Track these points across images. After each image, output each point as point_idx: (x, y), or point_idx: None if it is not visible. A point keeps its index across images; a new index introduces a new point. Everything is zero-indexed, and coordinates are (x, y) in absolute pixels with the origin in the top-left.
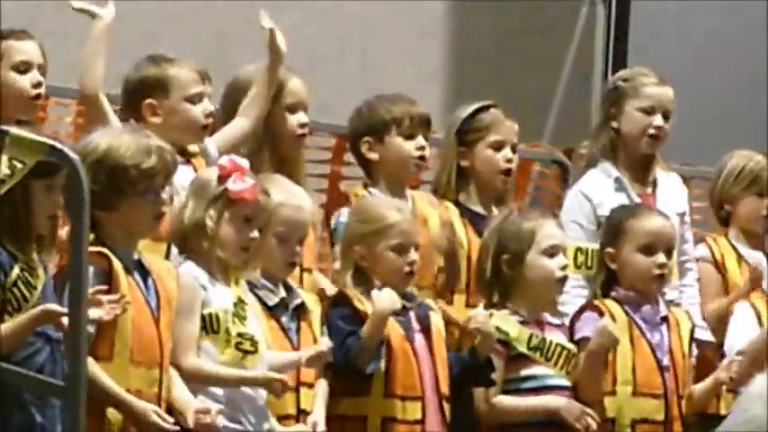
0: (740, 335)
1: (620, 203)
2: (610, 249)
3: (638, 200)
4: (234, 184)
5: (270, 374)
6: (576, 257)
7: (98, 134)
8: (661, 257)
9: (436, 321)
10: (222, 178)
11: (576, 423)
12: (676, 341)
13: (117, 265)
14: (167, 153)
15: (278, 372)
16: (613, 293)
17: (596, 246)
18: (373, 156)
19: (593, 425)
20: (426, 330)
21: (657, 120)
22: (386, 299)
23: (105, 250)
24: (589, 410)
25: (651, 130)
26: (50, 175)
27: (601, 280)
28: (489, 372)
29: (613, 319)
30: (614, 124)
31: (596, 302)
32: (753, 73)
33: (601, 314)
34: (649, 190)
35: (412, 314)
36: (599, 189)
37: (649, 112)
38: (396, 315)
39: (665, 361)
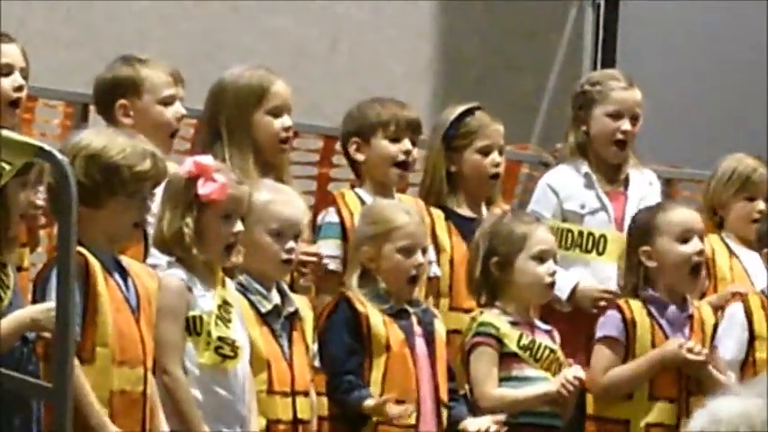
0: (730, 336)
1: (588, 200)
2: (645, 248)
3: (605, 198)
4: (203, 188)
5: None
6: None
7: (90, 132)
8: (699, 244)
9: (439, 329)
10: (191, 183)
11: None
12: (698, 341)
13: (94, 263)
14: (160, 160)
15: None
16: (642, 293)
17: (560, 223)
18: (360, 157)
19: (573, 382)
20: (429, 336)
21: (624, 124)
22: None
23: (82, 249)
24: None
25: (618, 135)
26: (25, 173)
27: (633, 283)
28: None
29: (634, 321)
30: (584, 127)
31: (621, 303)
32: (750, 74)
33: (622, 314)
34: (621, 188)
35: (414, 319)
36: (568, 183)
37: (616, 116)
38: (398, 319)
39: None
